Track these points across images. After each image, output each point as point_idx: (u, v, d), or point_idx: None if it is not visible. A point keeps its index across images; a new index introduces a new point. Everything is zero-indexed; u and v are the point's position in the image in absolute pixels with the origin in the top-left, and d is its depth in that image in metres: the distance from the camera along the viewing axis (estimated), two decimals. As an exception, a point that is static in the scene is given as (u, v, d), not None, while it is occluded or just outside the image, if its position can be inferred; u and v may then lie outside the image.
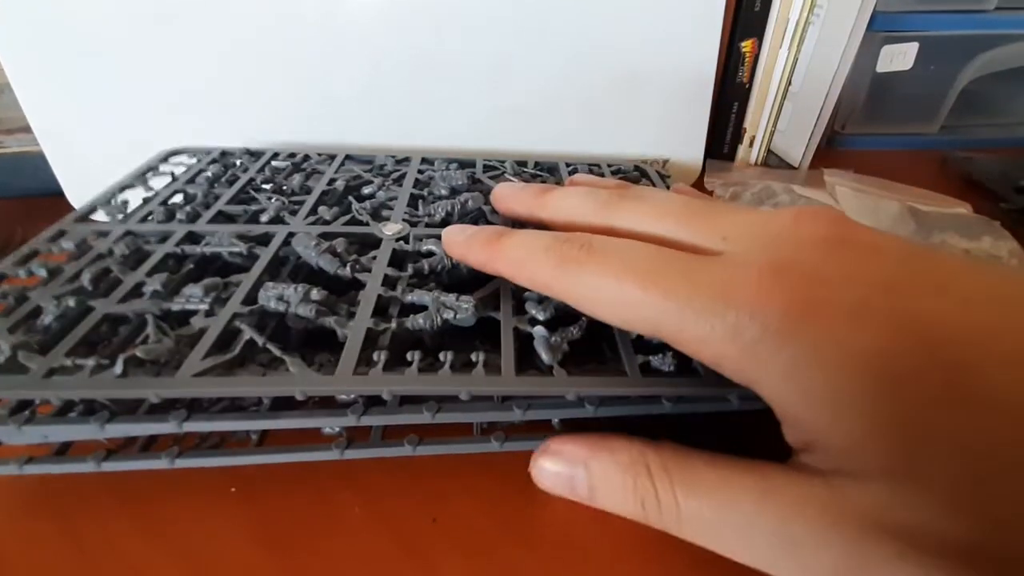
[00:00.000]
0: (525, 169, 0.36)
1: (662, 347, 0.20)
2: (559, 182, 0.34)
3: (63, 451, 0.20)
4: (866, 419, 0.12)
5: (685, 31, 0.37)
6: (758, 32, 0.39)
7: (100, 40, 0.34)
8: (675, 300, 0.14)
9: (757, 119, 0.43)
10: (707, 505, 0.14)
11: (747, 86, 0.41)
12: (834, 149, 0.49)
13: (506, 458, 0.21)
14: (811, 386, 0.12)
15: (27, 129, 0.36)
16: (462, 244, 0.20)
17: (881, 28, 0.43)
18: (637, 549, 0.18)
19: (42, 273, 0.23)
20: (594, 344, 0.22)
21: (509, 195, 0.22)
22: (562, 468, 0.16)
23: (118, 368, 0.18)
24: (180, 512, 0.19)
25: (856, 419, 0.12)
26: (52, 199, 0.38)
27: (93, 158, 0.37)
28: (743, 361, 0.13)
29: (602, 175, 0.35)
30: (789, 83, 0.40)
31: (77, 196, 0.38)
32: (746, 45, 0.40)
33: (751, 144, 0.44)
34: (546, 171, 0.36)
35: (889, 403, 0.11)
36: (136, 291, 0.22)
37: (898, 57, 0.45)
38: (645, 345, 0.20)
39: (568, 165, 0.36)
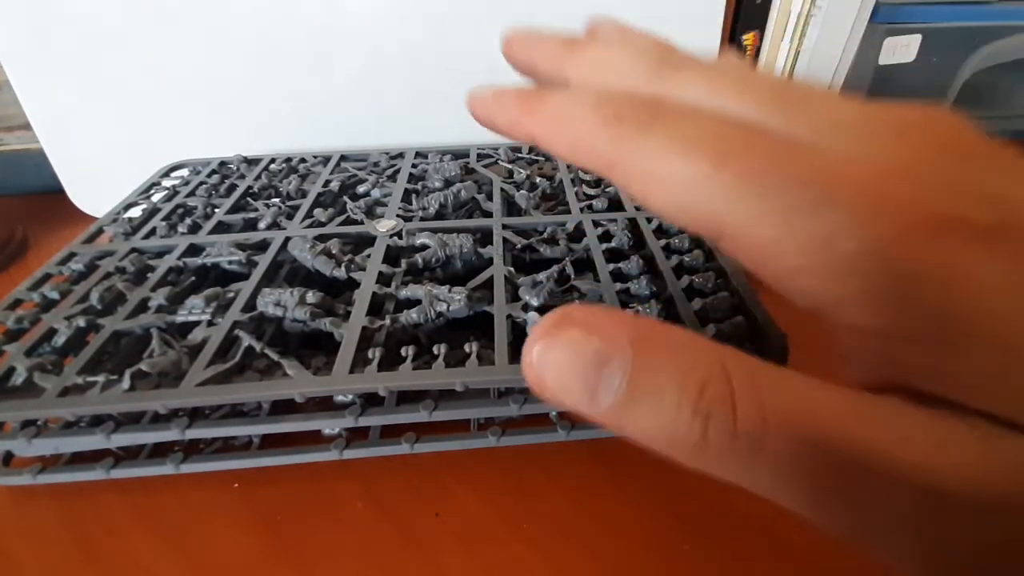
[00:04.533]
0: (520, 155, 0.36)
1: None
2: (555, 167, 0.33)
3: (73, 459, 0.20)
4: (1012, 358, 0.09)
5: (686, 24, 0.37)
6: (759, 25, 0.39)
7: (99, 36, 0.34)
8: (752, 185, 0.10)
9: (758, 112, 0.42)
10: (812, 435, 0.10)
11: (748, 79, 0.41)
12: (836, 142, 0.48)
13: (507, 452, 0.21)
14: (930, 316, 0.10)
15: (27, 126, 0.36)
16: (489, 102, 0.15)
17: (883, 20, 0.42)
18: (635, 538, 0.18)
19: (55, 296, 0.24)
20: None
21: (527, 41, 0.17)
22: (589, 351, 0.10)
23: (126, 383, 0.18)
24: (183, 507, 0.20)
25: (995, 356, 0.09)
26: (52, 196, 0.38)
27: (93, 154, 0.37)
28: (826, 278, 0.10)
29: None
30: (791, 76, 0.40)
31: (77, 193, 0.38)
32: (747, 38, 0.40)
33: (752, 138, 0.43)
34: (542, 156, 0.36)
35: None
36: (142, 306, 0.22)
37: (901, 49, 0.44)
38: None
39: None
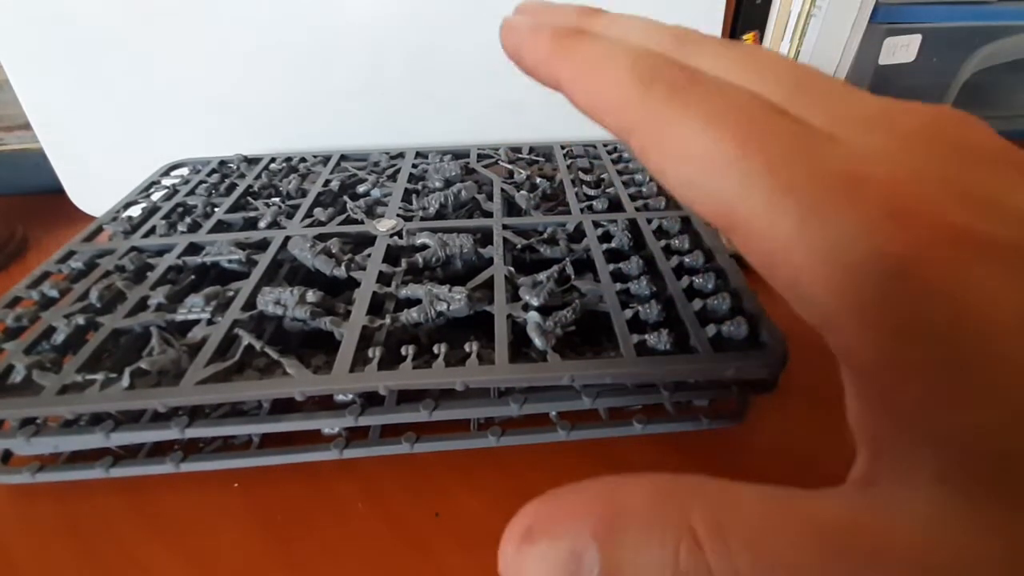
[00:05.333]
0: (520, 155, 0.36)
1: (657, 326, 0.20)
2: (555, 168, 0.33)
3: (72, 458, 0.20)
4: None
5: (686, 24, 0.37)
6: (759, 25, 0.39)
7: (99, 36, 0.34)
8: (775, 177, 0.10)
9: (758, 113, 0.42)
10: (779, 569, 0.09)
11: (748, 79, 0.41)
12: (836, 142, 0.48)
13: (507, 452, 0.21)
14: (938, 340, 0.08)
15: (27, 126, 0.36)
16: (523, 33, 0.14)
17: (883, 20, 0.42)
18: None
19: (54, 294, 0.23)
20: (592, 336, 0.22)
21: (544, 8, 0.15)
22: (559, 557, 0.10)
23: (125, 381, 0.18)
24: (182, 507, 0.20)
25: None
26: (52, 196, 0.38)
27: (93, 154, 0.37)
28: (829, 287, 0.09)
29: (598, 157, 0.35)
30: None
31: (77, 193, 0.38)
32: (747, 38, 0.40)
33: (752, 138, 0.43)
34: (542, 156, 0.36)
35: None
36: (142, 304, 0.22)
37: (901, 49, 0.44)
38: (640, 325, 0.20)
39: (563, 148, 0.36)
